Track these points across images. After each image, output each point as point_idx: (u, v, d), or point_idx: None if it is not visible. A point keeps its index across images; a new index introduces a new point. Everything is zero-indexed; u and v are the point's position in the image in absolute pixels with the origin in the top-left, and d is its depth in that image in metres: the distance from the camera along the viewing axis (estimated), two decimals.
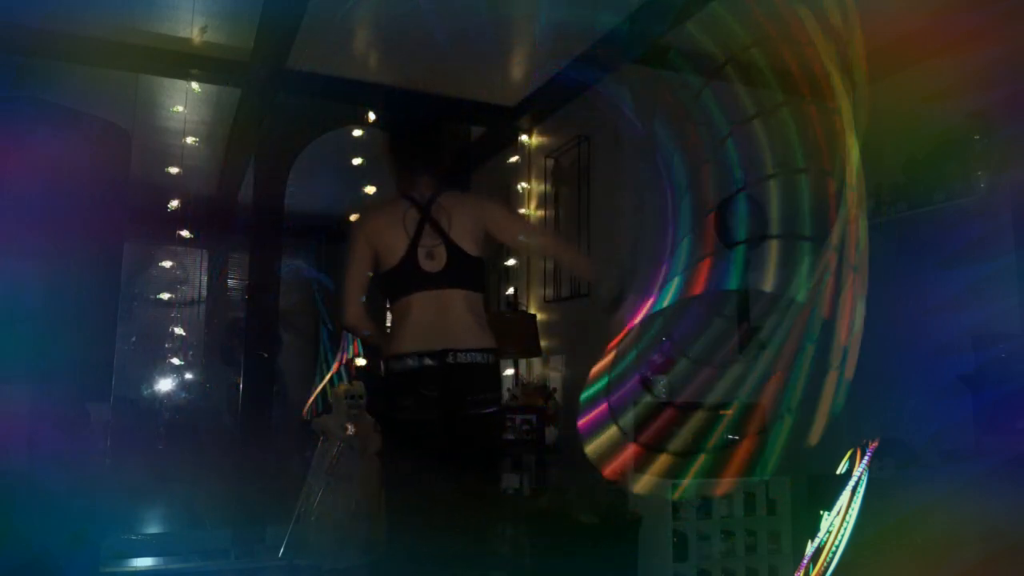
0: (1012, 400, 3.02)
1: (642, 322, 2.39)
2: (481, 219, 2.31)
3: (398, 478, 2.23)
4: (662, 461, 3.51)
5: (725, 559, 3.46)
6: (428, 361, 2.12)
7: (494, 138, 5.18)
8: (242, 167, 5.30)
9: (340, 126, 4.54)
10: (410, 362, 2.13)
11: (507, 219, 2.44)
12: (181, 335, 5.11)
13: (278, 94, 4.36)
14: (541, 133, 4.91)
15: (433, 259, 2.20)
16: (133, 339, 5.06)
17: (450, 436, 2.15)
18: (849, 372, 2.13)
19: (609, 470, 2.55)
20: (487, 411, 2.20)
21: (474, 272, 2.26)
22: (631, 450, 3.07)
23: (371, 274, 2.31)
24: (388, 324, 2.33)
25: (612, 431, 2.54)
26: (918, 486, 3.07)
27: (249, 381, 4.33)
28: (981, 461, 3.05)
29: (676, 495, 3.33)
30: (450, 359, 2.13)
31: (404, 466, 2.18)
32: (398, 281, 2.21)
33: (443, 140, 2.45)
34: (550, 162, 4.69)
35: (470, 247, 2.25)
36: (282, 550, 3.70)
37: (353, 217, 2.31)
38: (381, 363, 2.23)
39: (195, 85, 4.40)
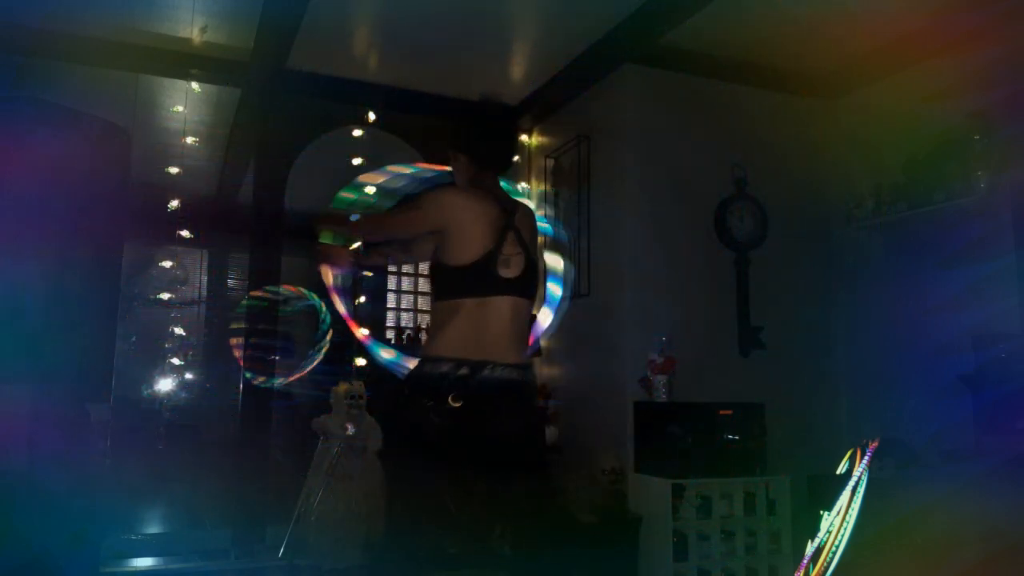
0: (1012, 400, 3.02)
1: None
2: (536, 235, 2.36)
3: (419, 477, 2.16)
4: (662, 461, 3.51)
5: (725, 559, 3.46)
6: (464, 370, 2.08)
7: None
8: (242, 167, 5.30)
9: (340, 126, 4.54)
10: (445, 367, 2.08)
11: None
12: (181, 335, 5.10)
13: (278, 94, 4.36)
14: (541, 133, 4.91)
15: (509, 267, 2.16)
16: (133, 339, 5.06)
17: (466, 448, 2.10)
18: None
19: None
20: (512, 432, 2.16)
21: (537, 283, 2.28)
22: None
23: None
24: (433, 319, 2.25)
25: None
26: (918, 486, 3.07)
27: (249, 379, 4.33)
28: (981, 461, 3.05)
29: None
30: (488, 371, 2.09)
31: (431, 466, 2.12)
32: (469, 281, 2.15)
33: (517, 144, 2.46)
34: (550, 162, 4.70)
35: (539, 261, 2.31)
36: (282, 550, 3.70)
37: (437, 194, 2.23)
38: (422, 360, 2.15)
39: (195, 85, 4.40)
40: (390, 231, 2.38)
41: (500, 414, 2.11)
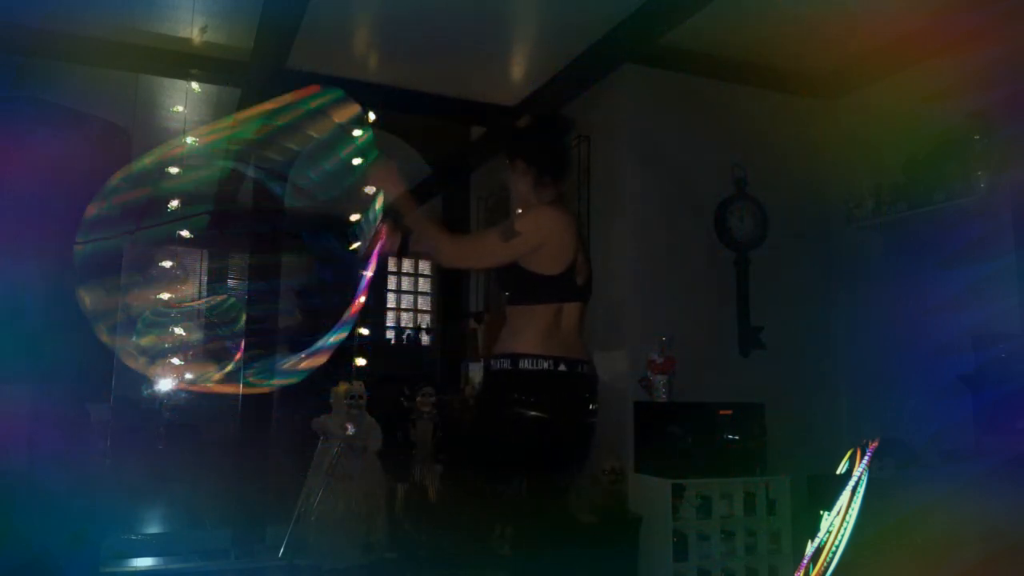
0: (1012, 400, 3.02)
1: None
2: None
3: (494, 467, 2.28)
4: (662, 461, 3.51)
5: (725, 559, 3.46)
6: (563, 367, 2.22)
7: (494, 138, 5.18)
8: (242, 167, 5.29)
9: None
10: (545, 364, 2.21)
11: None
12: (181, 335, 5.10)
13: (278, 94, 4.35)
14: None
15: (580, 275, 2.32)
16: (133, 339, 5.06)
17: (563, 440, 2.24)
18: None
19: None
20: (594, 420, 2.34)
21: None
22: None
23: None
24: (512, 321, 2.35)
25: None
26: (918, 486, 3.07)
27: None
28: (981, 461, 3.05)
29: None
30: (579, 369, 2.26)
31: (505, 458, 2.25)
32: (554, 289, 2.28)
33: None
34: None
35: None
36: (282, 550, 3.70)
37: (541, 212, 2.31)
38: (514, 358, 2.23)
39: (195, 85, 4.40)
40: (483, 259, 2.49)
41: (588, 407, 2.29)
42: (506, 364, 2.24)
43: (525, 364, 2.21)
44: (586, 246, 2.42)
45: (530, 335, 2.25)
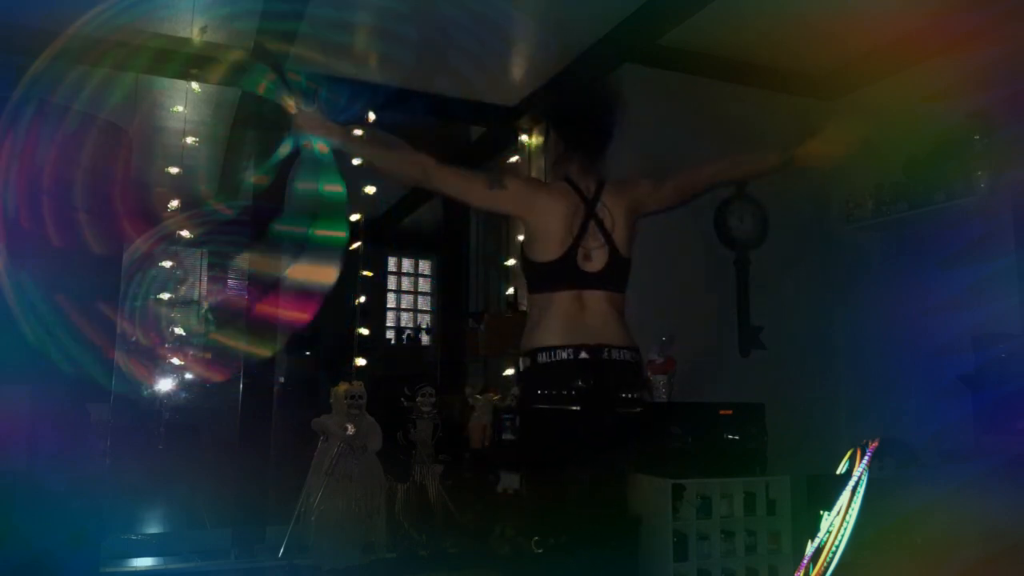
0: (1012, 400, 3.02)
1: None
2: (635, 209, 2.28)
3: (534, 467, 2.20)
4: (662, 461, 3.51)
5: (725, 559, 3.46)
6: (584, 355, 2.07)
7: (494, 138, 5.18)
8: (242, 167, 5.29)
9: (340, 126, 4.53)
10: (564, 354, 2.07)
11: (653, 186, 2.37)
12: (181, 335, 5.10)
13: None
14: (541, 133, 4.91)
15: (591, 260, 2.16)
16: (133, 339, 5.05)
17: (597, 431, 2.10)
18: None
19: None
20: (635, 411, 2.17)
21: (626, 275, 2.25)
22: None
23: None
24: (531, 312, 2.25)
25: None
26: (918, 486, 3.07)
27: (249, 380, 4.33)
28: (981, 461, 3.05)
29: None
30: (605, 355, 2.09)
31: (540, 457, 2.15)
32: (553, 276, 2.16)
33: (615, 129, 2.31)
34: (550, 162, 4.69)
35: (625, 249, 2.23)
36: (282, 550, 3.70)
37: (513, 177, 2.24)
38: (534, 352, 2.12)
39: (195, 85, 4.40)
40: (461, 192, 2.23)
41: (618, 399, 2.12)
42: (527, 361, 2.14)
43: (542, 358, 2.09)
44: (613, 224, 2.21)
45: (546, 326, 2.13)
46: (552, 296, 2.15)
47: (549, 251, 2.15)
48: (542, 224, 2.16)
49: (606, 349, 2.10)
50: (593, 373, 2.06)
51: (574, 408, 2.05)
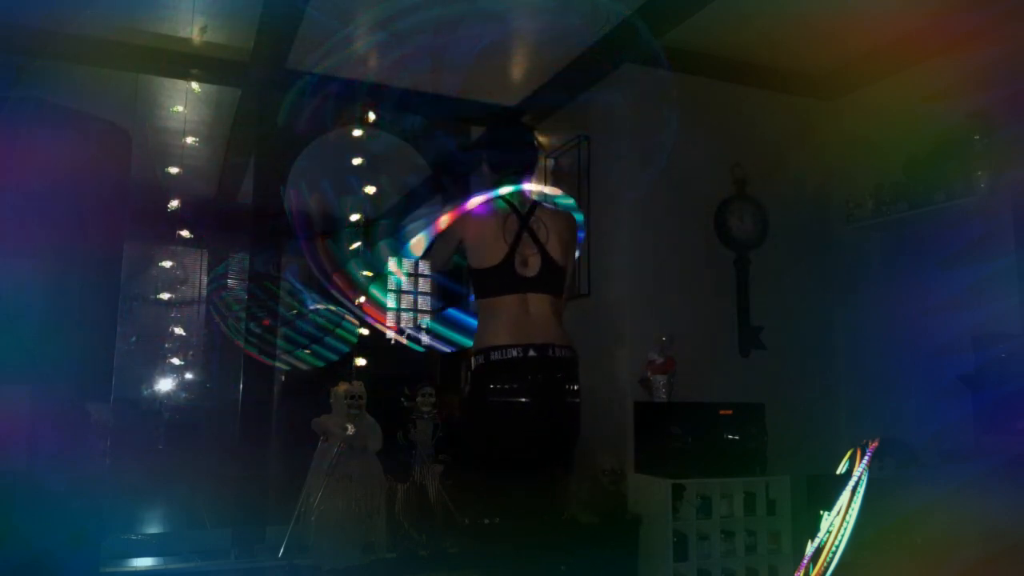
0: (1012, 400, 3.02)
1: None
2: (570, 239, 2.54)
3: (488, 463, 2.37)
4: (662, 461, 3.51)
5: (725, 559, 3.46)
6: (532, 352, 2.30)
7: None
8: (242, 167, 5.29)
9: (340, 126, 4.54)
10: (514, 352, 2.29)
11: (574, 247, 2.64)
12: (181, 335, 5.11)
13: (278, 94, 4.36)
14: (541, 133, 4.91)
15: (527, 266, 2.39)
16: (133, 339, 5.05)
17: (547, 421, 2.31)
18: None
19: None
20: (576, 400, 2.41)
21: (561, 280, 2.46)
22: None
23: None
24: (480, 316, 2.46)
25: None
26: (918, 486, 3.07)
27: (249, 379, 4.33)
28: (981, 461, 3.05)
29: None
30: (550, 352, 2.32)
31: (496, 444, 2.33)
32: (493, 281, 2.39)
33: (537, 151, 2.69)
34: (550, 162, 4.70)
35: (560, 258, 2.45)
36: (282, 550, 3.70)
37: (448, 215, 2.50)
38: (485, 351, 2.33)
39: (195, 85, 4.40)
40: (437, 261, 2.67)
41: (564, 390, 2.36)
42: (480, 359, 2.33)
43: (495, 356, 2.30)
44: (548, 237, 2.43)
45: (495, 328, 2.35)
46: (498, 300, 2.38)
47: (488, 258, 2.38)
48: (479, 238, 2.41)
49: (550, 347, 2.33)
50: (541, 369, 2.30)
51: (525, 400, 2.28)
